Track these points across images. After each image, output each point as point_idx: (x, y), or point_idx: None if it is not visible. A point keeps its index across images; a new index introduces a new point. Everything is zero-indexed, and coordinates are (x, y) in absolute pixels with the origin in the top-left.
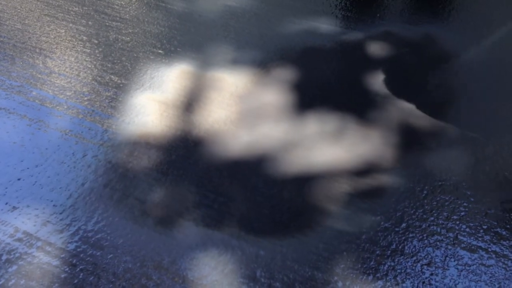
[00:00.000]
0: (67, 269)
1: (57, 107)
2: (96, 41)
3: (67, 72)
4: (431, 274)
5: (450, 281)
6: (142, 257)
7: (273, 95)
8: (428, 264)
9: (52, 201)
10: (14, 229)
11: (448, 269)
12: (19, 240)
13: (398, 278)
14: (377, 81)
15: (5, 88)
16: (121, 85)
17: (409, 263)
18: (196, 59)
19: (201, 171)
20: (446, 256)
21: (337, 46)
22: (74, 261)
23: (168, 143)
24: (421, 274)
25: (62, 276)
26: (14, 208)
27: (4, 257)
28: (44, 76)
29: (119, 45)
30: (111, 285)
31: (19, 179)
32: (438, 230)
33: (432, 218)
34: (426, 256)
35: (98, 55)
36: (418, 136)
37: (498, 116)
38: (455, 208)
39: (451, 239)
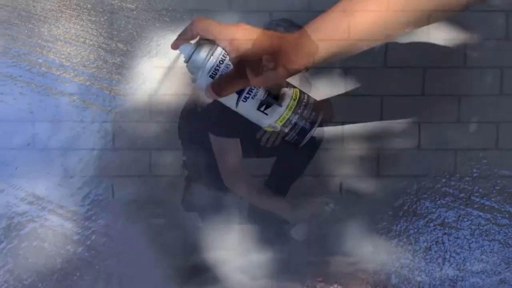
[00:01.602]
0: (79, 231)
1: (64, 74)
2: (101, 9)
3: (73, 39)
4: (444, 234)
5: (463, 240)
6: None
7: None
8: (441, 224)
9: (62, 165)
10: (25, 193)
11: (462, 229)
12: (31, 203)
13: (411, 238)
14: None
15: (11, 56)
16: (127, 52)
17: (422, 223)
18: None
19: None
20: (459, 217)
21: None
22: (86, 224)
23: (176, 109)
24: (434, 233)
25: (75, 238)
26: (25, 172)
27: (16, 220)
28: (50, 44)
29: (124, 12)
30: (124, 246)
31: (28, 145)
32: (451, 191)
33: (444, 180)
34: (438, 217)
35: (103, 22)
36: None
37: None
38: (468, 170)
39: (464, 200)
